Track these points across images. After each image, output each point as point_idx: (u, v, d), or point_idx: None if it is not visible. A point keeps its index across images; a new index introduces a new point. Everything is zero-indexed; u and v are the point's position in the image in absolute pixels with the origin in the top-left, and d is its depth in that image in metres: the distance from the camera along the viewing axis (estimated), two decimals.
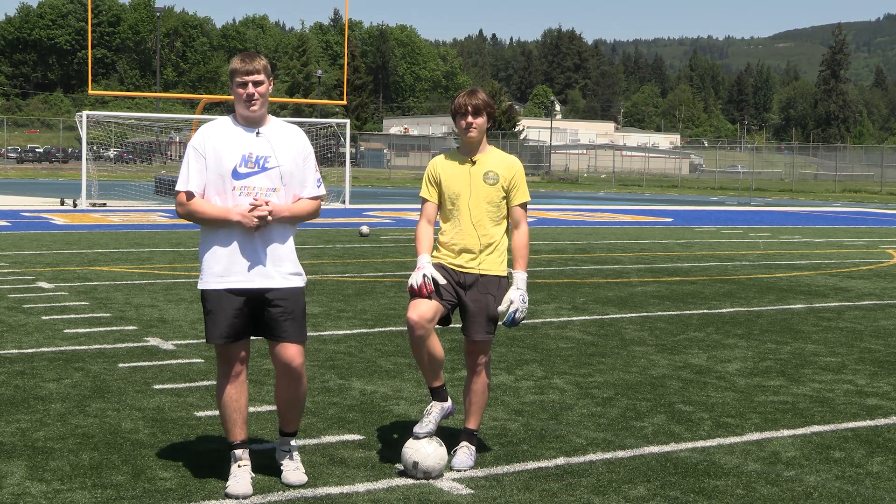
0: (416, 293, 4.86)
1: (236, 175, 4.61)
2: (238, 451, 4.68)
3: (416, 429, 4.90)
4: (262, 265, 4.62)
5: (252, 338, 4.77)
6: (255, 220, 4.55)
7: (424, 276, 4.86)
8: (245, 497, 4.46)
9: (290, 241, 4.74)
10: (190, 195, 4.63)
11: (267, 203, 4.58)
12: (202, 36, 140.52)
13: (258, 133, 4.68)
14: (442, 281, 4.90)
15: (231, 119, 4.75)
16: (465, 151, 5.08)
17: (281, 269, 4.66)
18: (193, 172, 4.63)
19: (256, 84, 4.62)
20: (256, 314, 4.66)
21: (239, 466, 4.63)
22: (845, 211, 36.55)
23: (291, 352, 4.67)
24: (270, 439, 5.25)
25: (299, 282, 4.72)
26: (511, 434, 5.59)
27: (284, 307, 4.64)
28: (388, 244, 17.47)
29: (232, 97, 4.73)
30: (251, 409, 5.38)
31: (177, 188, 4.67)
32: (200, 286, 4.69)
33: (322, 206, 4.94)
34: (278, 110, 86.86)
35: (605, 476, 4.89)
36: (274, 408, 5.75)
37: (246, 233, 4.60)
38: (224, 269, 4.61)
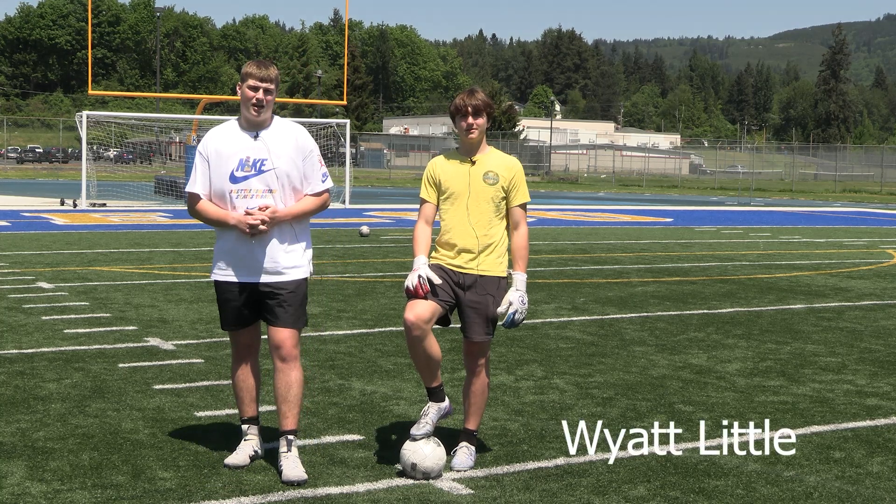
0: (412, 294, 4.86)
1: (233, 179, 4.89)
2: (244, 427, 5.06)
3: (413, 430, 4.90)
4: (256, 261, 4.90)
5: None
6: (248, 227, 4.81)
7: (420, 276, 4.86)
8: (237, 468, 4.83)
9: (293, 236, 4.96)
10: (196, 197, 4.94)
11: (264, 209, 4.83)
12: (202, 36, 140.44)
13: (256, 136, 4.92)
14: (437, 281, 4.90)
15: (235, 122, 5.00)
16: (464, 152, 5.08)
17: (276, 263, 4.91)
18: (199, 175, 4.96)
19: (267, 92, 4.89)
20: (258, 303, 4.96)
21: (245, 440, 5.00)
22: (845, 211, 36.55)
23: (281, 336, 4.91)
24: (270, 439, 5.24)
25: (295, 274, 4.95)
26: (511, 434, 5.59)
27: (278, 297, 4.90)
28: (388, 244, 17.47)
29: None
30: None
31: (186, 189, 5.01)
32: (211, 277, 5.08)
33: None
34: (279, 110, 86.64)
35: (605, 476, 4.89)
36: (273, 408, 5.76)
37: (243, 232, 4.87)
38: (225, 263, 4.97)
